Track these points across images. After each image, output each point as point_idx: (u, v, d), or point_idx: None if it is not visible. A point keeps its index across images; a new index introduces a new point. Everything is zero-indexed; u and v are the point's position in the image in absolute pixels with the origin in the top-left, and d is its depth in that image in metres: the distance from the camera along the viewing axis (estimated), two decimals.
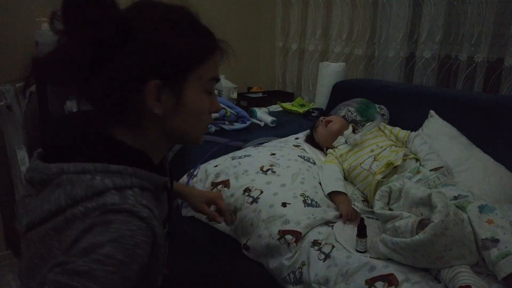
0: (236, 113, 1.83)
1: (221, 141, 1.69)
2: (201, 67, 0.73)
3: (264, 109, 2.12)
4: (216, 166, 1.52)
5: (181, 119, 0.73)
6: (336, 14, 2.42)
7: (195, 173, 1.55)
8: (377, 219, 1.24)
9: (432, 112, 1.68)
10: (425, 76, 2.10)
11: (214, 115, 1.75)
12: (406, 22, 2.13)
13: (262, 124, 1.97)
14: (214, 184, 1.45)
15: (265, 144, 1.74)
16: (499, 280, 0.99)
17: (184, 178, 1.58)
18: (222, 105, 1.78)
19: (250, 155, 1.54)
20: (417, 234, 1.00)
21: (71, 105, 1.84)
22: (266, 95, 2.71)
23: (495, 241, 1.02)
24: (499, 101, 1.59)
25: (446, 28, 2.03)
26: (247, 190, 1.37)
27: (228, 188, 1.41)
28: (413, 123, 1.73)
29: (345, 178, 1.54)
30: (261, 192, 1.34)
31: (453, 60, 2.02)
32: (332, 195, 1.38)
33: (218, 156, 1.61)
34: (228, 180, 1.44)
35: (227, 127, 1.80)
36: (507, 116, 1.53)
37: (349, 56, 2.44)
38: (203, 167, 1.55)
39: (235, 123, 1.84)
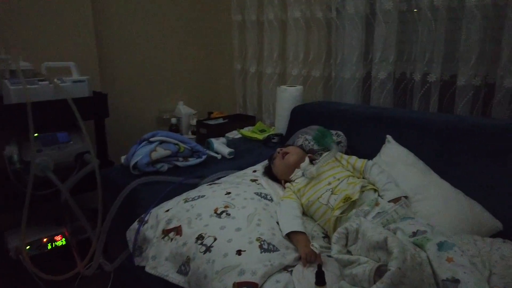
0: (190, 148, 1.75)
1: (175, 181, 1.60)
2: None
3: (222, 139, 2.04)
4: (167, 210, 1.42)
5: None
6: (292, 36, 2.40)
7: (146, 218, 1.45)
8: None
9: (389, 137, 1.66)
10: (382, 96, 2.09)
11: (167, 152, 1.66)
12: (360, 43, 2.13)
13: (219, 156, 1.90)
14: (165, 232, 1.36)
15: (221, 180, 1.66)
16: None
17: (135, 225, 1.48)
18: (175, 141, 1.69)
19: (204, 196, 1.46)
20: (374, 283, 0.95)
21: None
22: (227, 120, 2.64)
23: (456, 281, 0.97)
24: (453, 123, 1.57)
25: (400, 47, 2.03)
26: (200, 237, 1.28)
27: (180, 236, 1.32)
28: (372, 148, 1.70)
29: (305, 213, 1.49)
30: (215, 239, 1.26)
31: (408, 79, 2.03)
32: (291, 236, 1.31)
33: (174, 196, 1.53)
34: (180, 226, 1.35)
35: (181, 163, 1.72)
36: (462, 139, 1.52)
37: (307, 78, 2.42)
38: (154, 212, 1.46)
39: (189, 159, 1.75)
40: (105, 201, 1.71)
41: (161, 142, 1.66)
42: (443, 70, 1.87)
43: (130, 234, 1.49)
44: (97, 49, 2.28)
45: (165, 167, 1.66)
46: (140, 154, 1.58)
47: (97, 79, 2.28)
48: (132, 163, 1.57)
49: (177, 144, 1.69)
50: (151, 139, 1.65)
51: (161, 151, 1.62)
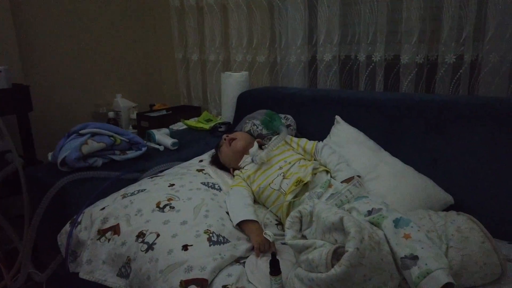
0: (128, 140, 1.59)
1: (111, 176, 1.45)
2: None
3: (165, 130, 1.90)
4: (103, 209, 1.27)
5: None
6: (233, 21, 2.30)
7: (78, 219, 1.29)
8: None
9: (337, 118, 1.61)
10: (329, 79, 2.06)
11: (100, 145, 1.49)
12: (304, 26, 2.07)
13: (161, 148, 1.75)
14: (101, 232, 1.21)
15: (164, 172, 1.53)
16: None
17: (67, 228, 1.31)
18: (110, 133, 1.53)
19: (144, 190, 1.32)
20: (332, 266, 0.88)
21: None
22: (170, 112, 2.49)
23: (414, 258, 0.93)
24: (399, 100, 1.56)
25: (343, 29, 2.00)
26: (140, 235, 1.15)
27: (119, 235, 1.18)
28: (322, 130, 1.66)
29: (257, 201, 1.40)
30: (158, 235, 1.13)
31: (353, 60, 2.00)
32: (242, 225, 1.22)
33: (111, 193, 1.37)
34: (118, 225, 1.21)
35: (118, 157, 1.55)
36: (409, 115, 1.51)
37: (252, 64, 2.33)
38: (87, 211, 1.30)
39: (128, 152, 1.59)
40: (34, 205, 1.51)
41: (93, 134, 1.49)
42: (386, 49, 1.87)
43: (61, 238, 1.32)
44: (16, 34, 2.03)
45: (99, 161, 1.49)
46: (69, 149, 1.40)
47: (18, 69, 2.03)
48: (60, 159, 1.40)
49: (112, 136, 1.52)
50: (81, 132, 1.47)
51: (93, 144, 1.45)
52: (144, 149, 1.62)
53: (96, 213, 1.26)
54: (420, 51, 1.77)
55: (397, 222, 1.01)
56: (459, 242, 0.99)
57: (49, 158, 1.54)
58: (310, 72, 2.16)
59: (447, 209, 1.29)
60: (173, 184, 1.35)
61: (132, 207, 1.25)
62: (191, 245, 1.10)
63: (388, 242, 0.98)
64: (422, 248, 0.94)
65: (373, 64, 1.90)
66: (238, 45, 2.34)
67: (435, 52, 1.75)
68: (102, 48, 2.54)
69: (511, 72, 1.58)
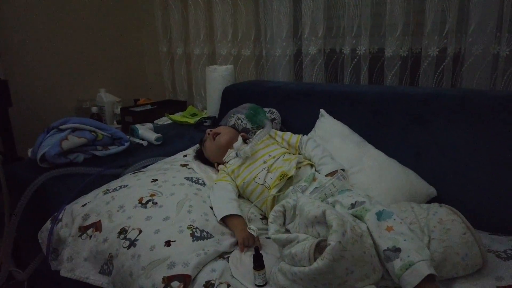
0: (110, 135, 1.56)
1: (93, 172, 1.42)
2: None
3: (148, 125, 1.87)
4: (84, 205, 1.25)
5: None
6: (218, 14, 2.27)
7: (59, 216, 1.27)
8: None
9: (322, 111, 1.61)
10: (314, 73, 2.05)
11: (81, 140, 1.46)
12: (289, 19, 2.06)
13: (145, 143, 1.73)
14: (82, 229, 1.19)
15: (148, 167, 1.51)
16: None
17: (48, 225, 1.28)
18: (91, 128, 1.50)
19: (126, 186, 1.30)
20: (315, 260, 0.87)
21: None
22: (155, 106, 2.46)
23: (397, 250, 0.93)
24: (383, 94, 1.56)
25: (328, 22, 1.99)
26: (122, 231, 1.13)
27: (100, 232, 1.16)
28: (306, 123, 1.65)
29: (241, 196, 1.39)
30: (140, 231, 1.12)
31: (338, 54, 2.00)
32: (226, 220, 1.21)
33: (93, 190, 1.35)
34: (99, 221, 1.19)
35: (100, 153, 1.53)
36: (392, 108, 1.51)
37: (238, 58, 2.32)
38: (68, 208, 1.27)
39: (110, 147, 1.57)
40: (14, 202, 1.47)
41: (74, 129, 1.46)
42: (371, 42, 1.87)
43: (42, 236, 1.30)
44: None
45: (81, 157, 1.46)
46: (48, 145, 1.37)
47: None
48: (39, 155, 1.36)
49: (93, 131, 1.49)
50: (61, 127, 1.44)
51: (74, 140, 1.42)
52: (126, 144, 1.60)
53: (77, 210, 1.24)
54: (404, 44, 1.78)
55: (379, 215, 1.01)
56: (441, 234, 1.00)
57: (29, 154, 1.50)
58: (296, 65, 2.16)
59: (430, 201, 1.30)
60: (156, 180, 1.33)
61: (114, 203, 1.22)
62: (174, 241, 1.08)
63: (371, 235, 0.98)
64: (405, 240, 0.94)
65: (357, 57, 1.90)
66: (223, 38, 2.31)
67: (419, 45, 1.76)
68: (84, 41, 2.49)
69: (493, 65, 1.60)
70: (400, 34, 1.76)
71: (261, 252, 1.03)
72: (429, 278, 0.88)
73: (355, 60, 1.91)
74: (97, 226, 1.18)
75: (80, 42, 2.47)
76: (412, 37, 1.77)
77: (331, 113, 1.61)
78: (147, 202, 1.22)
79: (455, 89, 1.67)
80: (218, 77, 2.08)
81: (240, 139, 1.46)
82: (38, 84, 2.29)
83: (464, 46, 1.63)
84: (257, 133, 1.46)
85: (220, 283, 1.01)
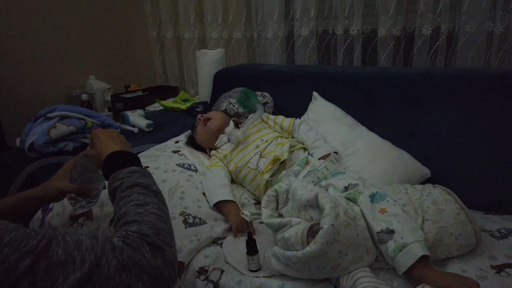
0: (100, 122, 1.53)
1: None
2: None
3: (139, 112, 1.84)
4: None
5: None
6: None
7: (50, 206, 1.25)
8: None
9: (315, 94, 1.59)
10: (307, 55, 2.01)
11: (70, 128, 1.44)
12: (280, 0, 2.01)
13: (136, 130, 1.70)
14: (73, 218, 1.18)
15: (139, 155, 1.48)
16: (399, 275, 0.90)
17: (38, 215, 1.26)
18: (80, 115, 1.47)
19: None
20: (308, 244, 0.87)
21: None
22: (146, 93, 2.43)
23: (391, 232, 0.93)
24: (376, 74, 1.54)
25: (319, 2, 1.95)
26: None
27: (92, 220, 1.15)
28: (299, 107, 1.63)
29: (234, 181, 1.38)
30: None
31: (331, 35, 1.96)
32: (219, 206, 1.20)
33: None
34: (90, 210, 1.17)
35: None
36: (386, 89, 1.49)
37: (229, 41, 2.27)
38: None
39: None
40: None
41: (63, 117, 1.43)
42: (364, 23, 1.83)
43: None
44: None
45: (70, 145, 1.44)
46: (36, 133, 1.34)
47: None
48: (27, 144, 1.34)
49: (82, 119, 1.47)
50: (49, 115, 1.41)
51: (62, 128, 1.39)
52: (117, 131, 1.57)
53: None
54: (397, 24, 1.74)
55: (373, 197, 1.00)
56: (434, 215, 0.99)
57: (17, 143, 1.48)
58: (288, 48, 2.12)
59: (424, 182, 1.29)
60: (147, 167, 1.31)
61: (105, 192, 1.21)
62: None
63: (364, 217, 0.97)
64: (398, 222, 0.94)
65: (350, 38, 1.87)
66: (213, 21, 2.26)
67: (412, 24, 1.73)
68: (72, 27, 2.42)
69: (487, 43, 1.57)
70: (393, 14, 1.72)
71: (254, 237, 1.03)
72: (423, 259, 0.88)
73: (348, 41, 1.88)
74: (88, 214, 1.16)
75: (67, 28, 2.40)
76: (405, 16, 1.74)
77: (324, 95, 1.58)
78: None
79: (448, 68, 1.65)
80: (209, 61, 2.04)
81: (231, 124, 1.44)
82: (26, 72, 2.24)
83: (458, 25, 1.61)
84: (249, 117, 1.44)
85: (214, 269, 1.01)
